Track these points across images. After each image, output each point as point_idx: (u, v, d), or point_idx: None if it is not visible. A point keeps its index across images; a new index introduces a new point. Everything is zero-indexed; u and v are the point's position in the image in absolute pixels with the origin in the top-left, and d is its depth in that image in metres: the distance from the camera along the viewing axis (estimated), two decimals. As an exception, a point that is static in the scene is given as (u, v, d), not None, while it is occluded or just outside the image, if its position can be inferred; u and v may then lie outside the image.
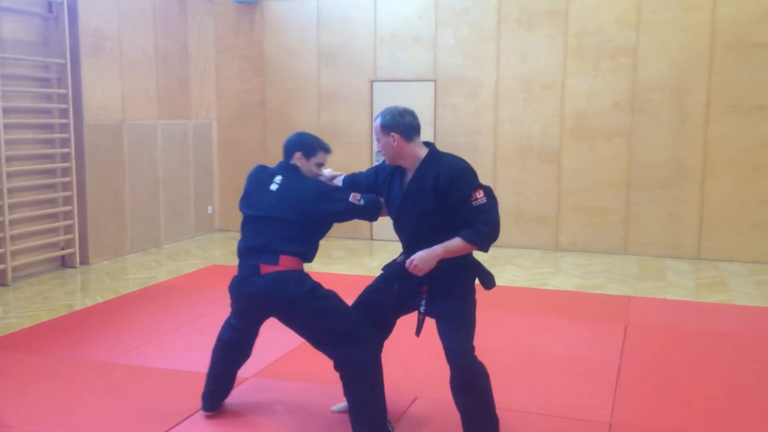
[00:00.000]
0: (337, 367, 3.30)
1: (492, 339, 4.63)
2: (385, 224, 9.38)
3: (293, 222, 3.27)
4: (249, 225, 3.38)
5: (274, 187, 3.35)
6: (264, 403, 3.73)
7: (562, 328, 5.09)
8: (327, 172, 3.55)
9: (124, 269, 7.09)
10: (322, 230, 3.41)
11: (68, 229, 7.08)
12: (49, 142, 6.97)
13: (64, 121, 6.96)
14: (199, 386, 3.92)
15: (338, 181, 3.52)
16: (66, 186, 7.05)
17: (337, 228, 9.64)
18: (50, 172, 6.97)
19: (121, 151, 7.67)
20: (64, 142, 7.01)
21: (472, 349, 3.06)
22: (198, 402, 3.69)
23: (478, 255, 3.29)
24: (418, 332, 3.19)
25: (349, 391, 3.26)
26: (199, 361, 4.37)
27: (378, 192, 3.34)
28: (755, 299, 6.01)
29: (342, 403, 3.60)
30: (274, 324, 4.62)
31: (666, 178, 7.65)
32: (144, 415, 3.57)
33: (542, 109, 7.98)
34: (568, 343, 4.75)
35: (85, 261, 7.23)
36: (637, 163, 7.73)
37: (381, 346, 3.44)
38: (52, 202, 6.99)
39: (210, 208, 9.16)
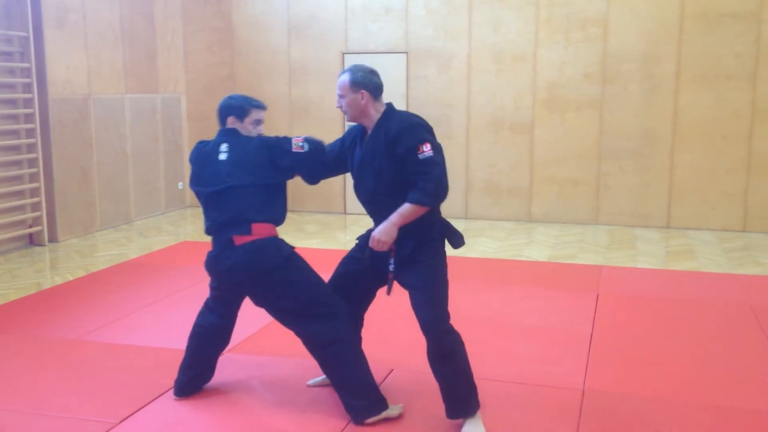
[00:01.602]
0: (312, 346, 3.24)
1: (466, 310, 4.66)
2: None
3: (254, 186, 3.21)
4: (211, 202, 3.27)
5: (222, 156, 3.27)
6: (240, 378, 3.72)
7: (535, 297, 5.14)
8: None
9: (94, 246, 6.99)
10: (282, 188, 3.34)
11: (35, 207, 6.94)
12: (14, 118, 6.80)
13: (28, 95, 6.78)
14: (172, 362, 3.89)
15: None
16: (32, 162, 6.90)
17: (310, 202, 9.56)
18: (15, 149, 6.81)
19: (88, 126, 7.51)
20: (29, 118, 6.84)
21: (448, 317, 3.07)
22: (171, 379, 3.67)
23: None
24: (388, 291, 3.16)
25: (332, 370, 3.22)
26: (171, 337, 4.35)
27: (344, 158, 3.30)
28: (723, 266, 6.13)
29: (319, 377, 3.60)
30: (247, 302, 4.59)
31: (636, 148, 7.72)
32: (116, 393, 3.54)
33: (514, 80, 7.97)
34: (541, 313, 4.81)
35: (53, 238, 7.11)
36: (607, 133, 7.78)
37: (362, 317, 3.43)
38: (18, 179, 6.84)
39: (180, 184, 9.04)
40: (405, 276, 3.12)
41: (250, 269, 3.17)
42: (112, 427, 3.20)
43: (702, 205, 7.62)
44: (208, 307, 3.48)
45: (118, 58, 7.91)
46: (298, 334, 3.28)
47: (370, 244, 3.06)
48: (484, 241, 7.04)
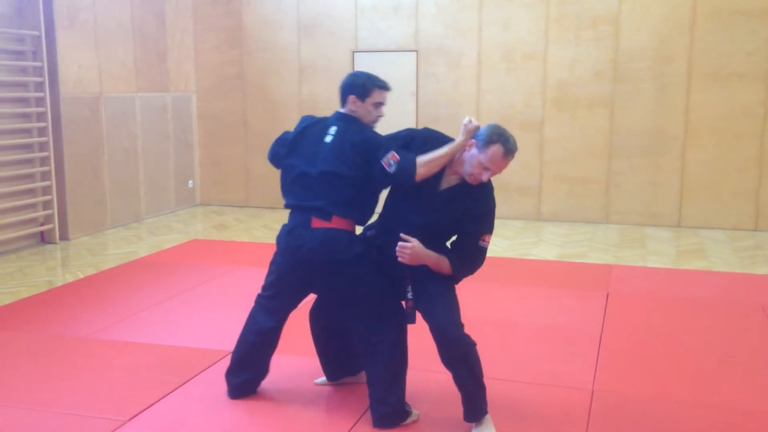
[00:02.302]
0: (360, 340, 3.20)
1: (475, 309, 4.65)
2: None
3: (347, 179, 3.11)
4: (301, 181, 3.18)
5: (328, 138, 3.18)
6: (248, 376, 3.73)
7: (544, 297, 5.13)
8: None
9: (105, 244, 7.02)
10: (374, 191, 3.22)
11: (47, 205, 6.99)
12: (26, 116, 6.84)
13: (40, 94, 6.83)
14: (181, 360, 3.91)
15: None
16: (44, 161, 6.94)
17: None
18: (27, 147, 6.86)
19: (99, 124, 7.55)
20: (41, 116, 6.88)
21: (463, 324, 3.07)
22: (180, 376, 3.69)
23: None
24: (412, 320, 3.16)
25: (371, 366, 3.17)
26: (181, 335, 4.36)
27: None
28: (734, 266, 6.08)
29: (324, 377, 3.60)
30: (249, 298, 4.59)
31: (647, 147, 7.68)
32: (126, 391, 3.56)
33: (524, 78, 7.95)
34: (550, 312, 4.79)
35: (64, 236, 7.15)
36: (618, 132, 7.74)
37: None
38: (29, 177, 6.89)
39: (191, 182, 9.07)
40: (418, 288, 3.12)
41: (317, 255, 3.10)
42: (121, 425, 3.22)
43: (713, 204, 7.57)
44: (262, 307, 3.38)
45: (129, 57, 7.95)
46: (351, 326, 3.24)
47: (402, 246, 3.02)
48: (493, 240, 7.01)
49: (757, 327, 4.50)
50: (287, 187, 3.27)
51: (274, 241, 6.28)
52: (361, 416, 3.26)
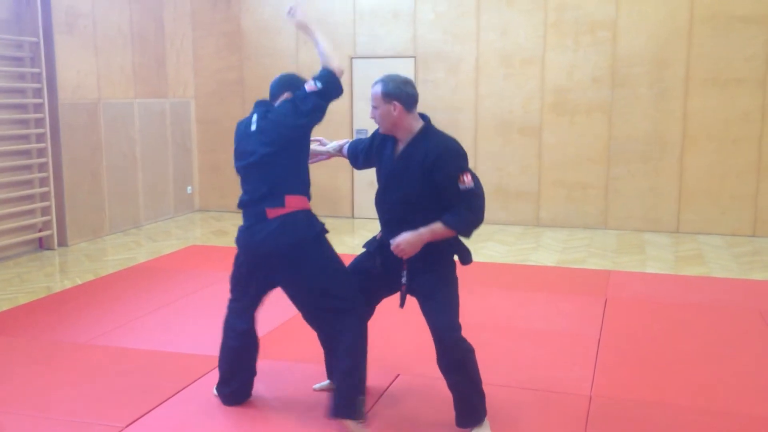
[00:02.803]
0: (328, 337, 3.23)
1: (474, 314, 4.64)
2: (366, 202, 9.34)
3: (283, 153, 3.17)
4: (245, 176, 3.26)
5: (253, 127, 3.28)
6: (246, 382, 3.72)
7: (542, 302, 5.12)
8: (328, 144, 3.42)
9: (103, 250, 7.02)
10: (305, 149, 3.30)
11: (45, 211, 6.99)
12: (24, 123, 6.85)
13: (39, 100, 6.83)
14: (179, 366, 3.91)
15: (345, 148, 3.46)
16: (42, 167, 6.94)
17: (317, 206, 9.58)
18: (26, 153, 6.86)
19: (98, 130, 7.56)
20: (39, 122, 6.89)
21: (460, 326, 3.06)
22: (178, 383, 3.69)
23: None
24: (401, 304, 3.17)
25: (337, 358, 3.18)
26: (179, 341, 4.36)
27: (371, 157, 3.28)
28: (733, 271, 6.08)
29: (325, 382, 3.60)
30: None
31: (645, 152, 7.69)
32: (123, 397, 3.55)
33: (523, 84, 7.96)
34: (549, 318, 4.79)
35: (63, 243, 7.15)
36: (616, 137, 7.75)
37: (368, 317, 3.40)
38: (28, 183, 6.88)
39: (189, 188, 9.08)
40: (417, 285, 3.11)
41: (281, 242, 3.10)
42: (119, 431, 3.21)
43: (712, 210, 7.58)
44: (233, 311, 3.41)
45: (127, 63, 7.96)
46: (313, 320, 3.26)
47: (393, 247, 3.03)
48: (491, 246, 7.02)
49: (755, 332, 4.50)
50: (241, 187, 3.33)
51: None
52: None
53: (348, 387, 3.12)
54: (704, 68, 7.41)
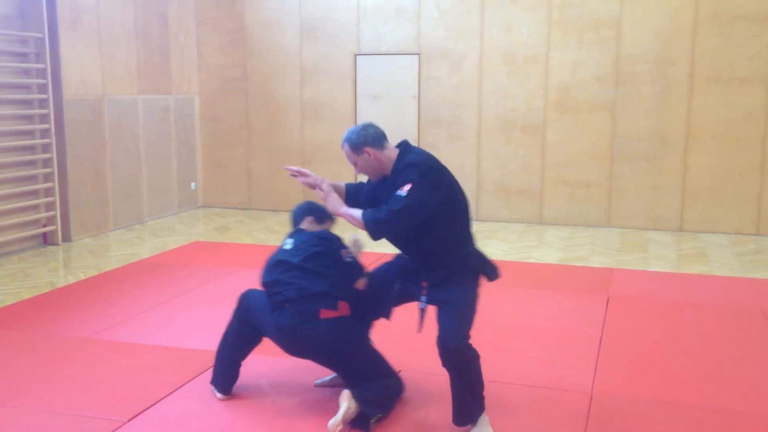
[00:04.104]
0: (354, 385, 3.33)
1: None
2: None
3: (321, 254, 3.38)
4: (300, 271, 3.35)
5: (287, 246, 3.47)
6: (248, 378, 3.74)
7: (544, 300, 5.13)
8: (322, 183, 3.43)
9: (107, 246, 7.04)
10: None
11: (49, 206, 7.01)
12: (28, 118, 6.87)
13: (43, 96, 6.85)
14: (182, 361, 3.93)
15: (340, 187, 3.48)
16: (46, 162, 6.96)
17: (320, 203, 9.53)
18: (30, 149, 6.88)
19: (102, 126, 7.58)
20: (44, 118, 6.91)
21: (468, 336, 3.03)
22: (181, 377, 3.70)
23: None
24: (419, 329, 3.22)
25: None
26: (182, 336, 4.37)
27: (377, 201, 3.28)
28: (735, 270, 6.08)
29: (327, 377, 3.61)
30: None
31: (649, 151, 7.68)
32: (126, 391, 3.57)
33: (526, 82, 7.96)
34: (551, 315, 4.79)
35: (67, 238, 7.17)
36: (620, 135, 7.75)
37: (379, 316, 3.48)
38: (32, 178, 6.91)
39: (193, 184, 9.09)
40: (436, 294, 3.12)
41: (334, 344, 3.24)
42: (121, 425, 3.23)
43: (715, 208, 7.57)
44: (239, 333, 3.51)
45: (131, 59, 7.98)
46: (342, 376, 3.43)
47: (317, 181, 3.23)
48: (494, 243, 7.02)
49: (758, 331, 4.50)
50: (282, 281, 3.37)
51: (275, 243, 6.32)
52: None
53: (376, 390, 3.24)
54: (708, 67, 7.39)
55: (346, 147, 3.20)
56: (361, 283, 3.42)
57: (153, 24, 8.28)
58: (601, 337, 4.36)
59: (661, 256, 6.60)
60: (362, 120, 8.42)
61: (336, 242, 3.50)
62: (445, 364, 3.04)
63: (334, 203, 3.20)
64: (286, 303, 3.29)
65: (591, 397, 3.54)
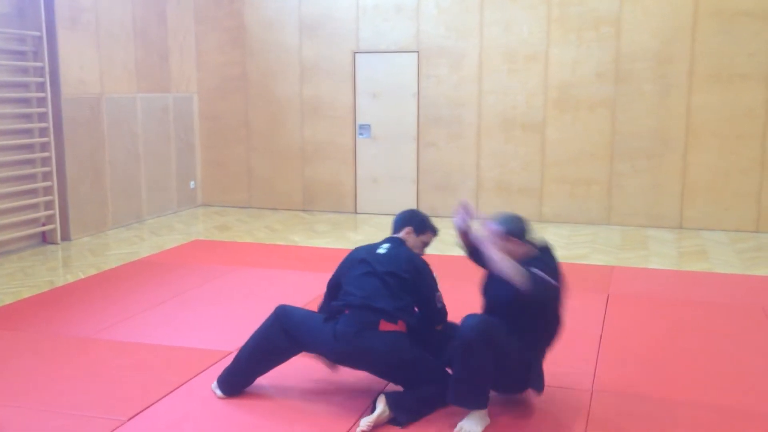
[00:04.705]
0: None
1: (474, 310, 4.64)
2: (368, 198, 9.31)
3: (406, 281, 3.33)
4: (368, 282, 3.35)
5: (381, 251, 3.45)
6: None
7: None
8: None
9: (106, 245, 7.03)
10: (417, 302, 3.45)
11: (48, 205, 7.00)
12: (27, 117, 6.85)
13: (42, 95, 6.84)
14: (182, 360, 3.92)
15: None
16: (45, 161, 6.95)
17: (321, 202, 9.53)
18: (28, 147, 6.87)
19: (100, 125, 7.56)
20: (42, 117, 6.89)
21: (494, 338, 3.10)
22: (181, 376, 3.70)
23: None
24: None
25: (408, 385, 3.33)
26: (182, 336, 4.36)
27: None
28: (735, 267, 6.07)
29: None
30: (257, 296, 4.62)
31: (649, 148, 7.67)
32: (126, 391, 3.56)
33: (526, 80, 7.95)
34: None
35: (66, 237, 7.16)
36: (620, 133, 7.74)
37: None
38: (31, 177, 6.89)
39: (192, 182, 9.08)
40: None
41: (383, 356, 3.25)
42: (120, 425, 3.22)
43: (715, 206, 7.56)
44: (280, 332, 3.43)
45: (130, 58, 7.96)
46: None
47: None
48: (494, 241, 7.00)
49: (758, 328, 4.49)
50: (348, 286, 3.40)
51: (275, 242, 6.30)
52: (363, 413, 3.26)
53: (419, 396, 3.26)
54: (708, 64, 7.39)
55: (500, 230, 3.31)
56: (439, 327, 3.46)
57: (152, 23, 8.27)
58: (602, 335, 4.36)
59: (661, 253, 6.59)
60: (361, 118, 8.40)
61: (430, 284, 3.41)
62: (460, 340, 3.08)
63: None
64: (346, 309, 3.31)
65: (591, 394, 3.53)
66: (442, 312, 3.45)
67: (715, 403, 3.44)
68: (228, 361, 3.66)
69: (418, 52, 8.24)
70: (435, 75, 8.22)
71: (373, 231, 7.60)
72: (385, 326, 3.26)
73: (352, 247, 6.87)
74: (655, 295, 5.23)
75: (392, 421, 3.19)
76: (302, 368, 3.79)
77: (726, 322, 4.62)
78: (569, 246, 6.90)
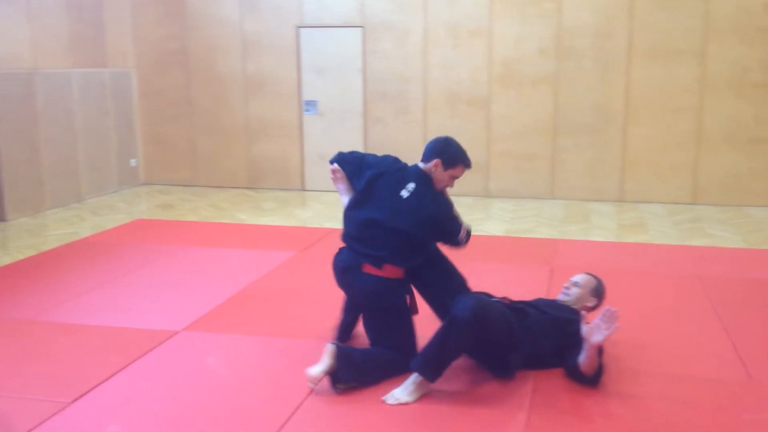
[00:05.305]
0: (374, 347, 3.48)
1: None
2: (316, 174, 9.22)
3: (413, 237, 3.33)
4: (366, 226, 3.37)
5: (405, 194, 3.35)
6: (195, 357, 3.69)
7: (491, 272, 5.20)
8: None
9: (45, 225, 6.81)
10: (434, 247, 3.53)
11: (-19, 186, 6.73)
12: (-46, 93, 6.55)
13: (-30, 70, 6.54)
14: (125, 341, 3.85)
15: None
16: (-24, 140, 6.67)
17: (267, 179, 9.41)
18: (-43, 125, 6.57)
19: (34, 102, 7.28)
20: (-29, 93, 6.60)
21: (486, 317, 3.16)
22: (125, 357, 3.63)
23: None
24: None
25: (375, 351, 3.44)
26: (126, 316, 4.28)
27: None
28: (672, 238, 6.28)
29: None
30: (203, 275, 4.56)
31: (590, 123, 7.83)
32: (69, 373, 3.48)
33: (470, 55, 7.98)
34: (497, 286, 4.86)
35: (2, 217, 6.91)
36: (562, 108, 7.87)
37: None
38: (-39, 157, 6.61)
39: (133, 161, 8.86)
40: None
41: (362, 298, 3.41)
42: (65, 407, 3.15)
43: (654, 179, 7.78)
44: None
45: (63, 32, 7.66)
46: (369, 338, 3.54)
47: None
48: (441, 216, 7.06)
49: (694, 296, 4.67)
50: (349, 222, 3.47)
51: (221, 220, 6.22)
52: (305, 399, 3.26)
53: (362, 358, 3.30)
54: (645, 40, 7.55)
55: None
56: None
57: (86, -5, 7.97)
58: (546, 306, 4.44)
59: (602, 226, 6.76)
60: (307, 94, 8.31)
61: (449, 234, 3.39)
62: (453, 313, 3.13)
63: None
64: (348, 241, 3.45)
65: (537, 364, 3.60)
66: (464, 240, 3.45)
67: (653, 370, 3.56)
68: (175, 342, 3.60)
69: (363, 27, 8.17)
70: (380, 50, 8.18)
71: (322, 208, 7.57)
72: (368, 269, 3.33)
73: (300, 224, 6.86)
74: (596, 266, 5.35)
75: (333, 375, 3.19)
76: (250, 347, 3.77)
77: (664, 292, 4.78)
78: (514, 220, 7.02)
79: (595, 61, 7.70)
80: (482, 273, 5.17)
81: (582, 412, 3.14)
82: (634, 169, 7.81)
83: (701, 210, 7.45)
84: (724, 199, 7.63)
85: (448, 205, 3.48)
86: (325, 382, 3.24)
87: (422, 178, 3.41)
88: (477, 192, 8.22)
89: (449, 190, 3.57)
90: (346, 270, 3.42)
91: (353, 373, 3.23)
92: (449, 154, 3.43)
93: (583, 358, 3.19)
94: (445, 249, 3.58)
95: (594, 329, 3.08)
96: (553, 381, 3.38)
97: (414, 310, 3.48)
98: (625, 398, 3.24)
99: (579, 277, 3.76)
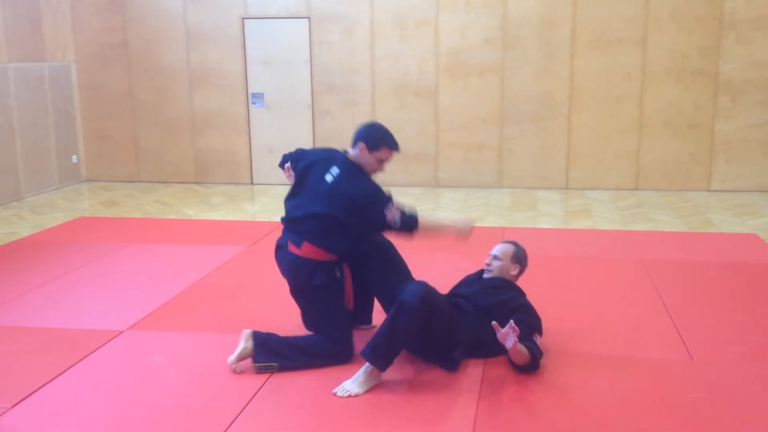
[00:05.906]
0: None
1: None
2: (264, 168, 9.13)
3: (334, 218, 3.36)
4: (294, 211, 3.50)
5: (329, 177, 3.41)
6: (141, 356, 3.61)
7: (441, 262, 5.23)
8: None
9: (-19, 226, 6.58)
10: (361, 232, 3.53)
11: None
12: None
13: None
14: (67, 343, 3.75)
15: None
16: None
17: (215, 173, 9.28)
18: None
19: (-32, 97, 7.01)
20: None
21: (435, 304, 3.22)
22: (66, 360, 3.54)
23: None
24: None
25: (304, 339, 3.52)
26: (68, 317, 4.16)
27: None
28: (617, 223, 6.42)
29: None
30: (149, 273, 4.47)
31: (536, 112, 7.93)
32: (9, 376, 3.37)
33: (417, 45, 7.99)
34: (444, 276, 4.89)
35: (-66, 219, 6.64)
36: (509, 98, 7.95)
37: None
38: None
39: (74, 157, 8.61)
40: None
41: (284, 276, 3.53)
42: (5, 412, 3.04)
43: (598, 166, 7.94)
44: None
45: (-2, 24, 7.39)
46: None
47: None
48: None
49: (638, 280, 4.78)
50: (289, 203, 3.56)
51: (168, 216, 6.11)
52: (254, 396, 3.23)
53: (285, 345, 3.37)
54: (588, 29, 7.68)
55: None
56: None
57: (20, -14, 7.69)
58: (495, 294, 4.49)
59: (549, 213, 6.87)
60: (253, 87, 8.20)
61: (375, 216, 3.35)
62: (401, 299, 3.14)
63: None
64: (283, 224, 3.54)
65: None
66: (402, 222, 3.39)
67: (599, 352, 3.64)
68: (120, 341, 3.52)
69: (309, 18, 8.10)
70: (327, 41, 8.12)
71: (271, 201, 7.49)
72: (290, 248, 3.43)
73: (248, 218, 6.78)
74: (543, 252, 5.45)
75: (253, 359, 3.31)
76: (197, 345, 3.72)
77: (609, 276, 4.89)
78: (464, 210, 7.07)
79: (540, 51, 7.80)
80: (429, 263, 5.21)
81: (529, 397, 3.18)
82: (579, 157, 7.95)
83: (644, 195, 7.63)
84: (666, 184, 7.84)
85: (372, 187, 3.42)
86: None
87: (346, 162, 3.47)
88: (426, 182, 8.25)
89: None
90: (276, 249, 3.54)
91: (269, 355, 3.32)
92: (371, 137, 3.51)
93: (509, 355, 3.26)
94: (393, 238, 3.58)
95: (504, 335, 3.13)
96: (501, 369, 3.42)
97: (348, 303, 3.53)
98: (573, 382, 3.30)
99: (497, 249, 3.77)
